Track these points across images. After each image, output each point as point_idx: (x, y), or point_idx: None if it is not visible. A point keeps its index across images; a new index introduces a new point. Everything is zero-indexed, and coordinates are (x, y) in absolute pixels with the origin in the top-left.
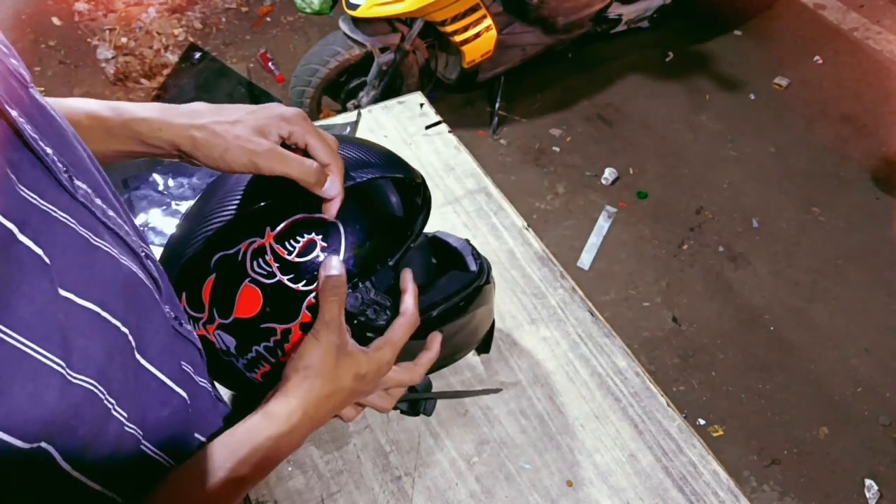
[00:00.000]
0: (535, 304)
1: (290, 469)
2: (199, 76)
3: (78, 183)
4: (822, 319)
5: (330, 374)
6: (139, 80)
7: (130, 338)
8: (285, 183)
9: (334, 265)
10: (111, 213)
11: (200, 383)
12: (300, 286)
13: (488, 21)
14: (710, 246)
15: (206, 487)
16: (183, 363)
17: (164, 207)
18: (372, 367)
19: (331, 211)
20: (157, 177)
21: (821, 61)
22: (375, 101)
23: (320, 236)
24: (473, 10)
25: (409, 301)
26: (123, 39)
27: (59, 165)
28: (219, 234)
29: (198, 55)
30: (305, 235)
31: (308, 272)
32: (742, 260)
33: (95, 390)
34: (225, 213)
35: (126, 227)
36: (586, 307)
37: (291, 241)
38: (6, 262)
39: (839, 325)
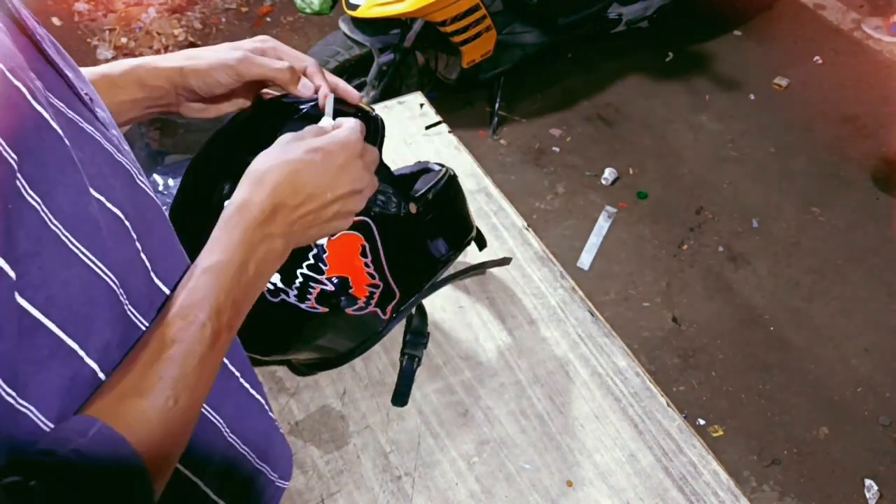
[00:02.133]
0: (535, 304)
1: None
2: None
3: (97, 109)
4: (822, 319)
5: (267, 159)
6: None
7: (144, 258)
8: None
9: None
10: (125, 146)
11: None
12: None
13: (488, 21)
14: (710, 246)
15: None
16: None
17: (165, 207)
18: (323, 142)
19: (321, 105)
20: (157, 177)
21: (821, 61)
22: (375, 101)
23: None
24: (473, 10)
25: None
26: (123, 40)
27: (79, 88)
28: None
29: None
30: None
31: None
32: (742, 260)
33: (117, 290)
34: (237, 153)
35: (137, 165)
36: (586, 307)
37: None
38: (42, 149)
39: (839, 326)
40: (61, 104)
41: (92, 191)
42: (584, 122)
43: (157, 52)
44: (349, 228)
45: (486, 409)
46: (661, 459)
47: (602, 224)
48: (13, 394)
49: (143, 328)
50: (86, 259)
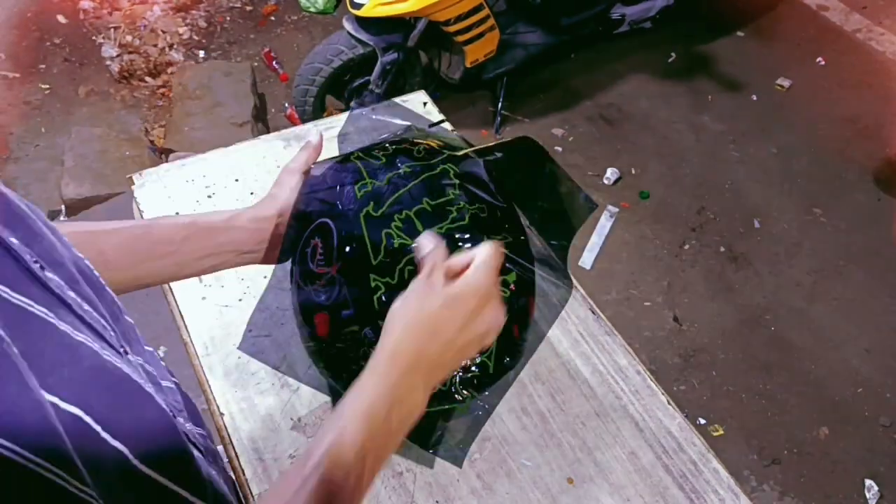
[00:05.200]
0: (537, 303)
1: (290, 465)
2: (204, 75)
3: (49, 274)
4: (823, 320)
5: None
6: (144, 77)
7: (123, 447)
8: None
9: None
10: (87, 306)
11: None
12: None
13: (491, 21)
14: (712, 246)
15: None
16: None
17: None
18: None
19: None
20: None
21: (823, 62)
22: (379, 99)
23: None
24: (477, 10)
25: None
26: (128, 37)
27: (28, 256)
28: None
29: (202, 54)
30: None
31: None
32: (743, 260)
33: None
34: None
35: (103, 322)
36: (588, 306)
37: None
38: None
39: (840, 326)
40: (5, 288)
41: (46, 395)
42: (586, 122)
43: (162, 50)
44: None
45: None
46: (661, 457)
47: (604, 224)
48: None
49: None
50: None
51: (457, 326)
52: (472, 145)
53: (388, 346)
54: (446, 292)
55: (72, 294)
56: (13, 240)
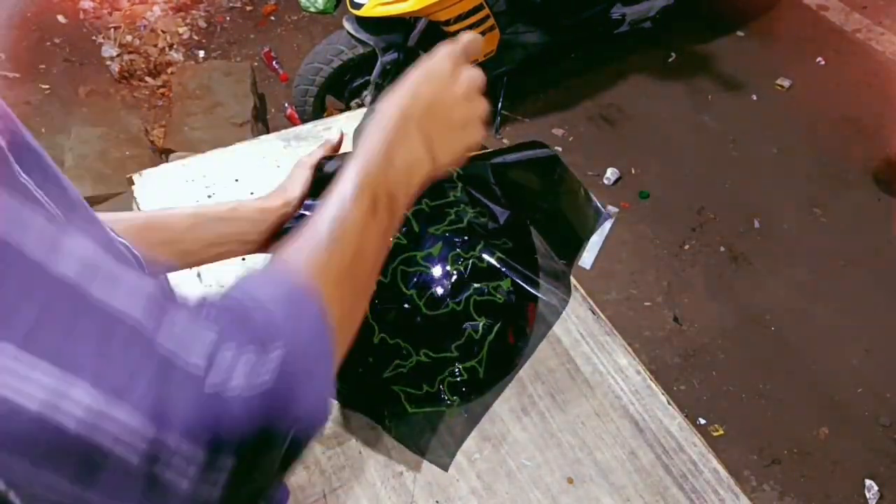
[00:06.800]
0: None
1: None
2: (204, 75)
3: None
4: (823, 320)
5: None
6: (144, 77)
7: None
8: None
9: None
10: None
11: None
12: None
13: (491, 21)
14: (712, 246)
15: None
16: None
17: None
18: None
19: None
20: None
21: (823, 62)
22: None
23: None
24: (477, 9)
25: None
26: (128, 37)
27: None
28: None
29: (202, 54)
30: None
31: None
32: (743, 260)
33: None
34: None
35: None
36: (588, 306)
37: None
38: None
39: (840, 326)
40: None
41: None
42: (586, 122)
43: (162, 50)
44: None
45: (487, 406)
46: (661, 457)
47: (604, 223)
48: None
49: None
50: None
51: (433, 87)
52: (485, 147)
53: (374, 114)
54: (416, 72)
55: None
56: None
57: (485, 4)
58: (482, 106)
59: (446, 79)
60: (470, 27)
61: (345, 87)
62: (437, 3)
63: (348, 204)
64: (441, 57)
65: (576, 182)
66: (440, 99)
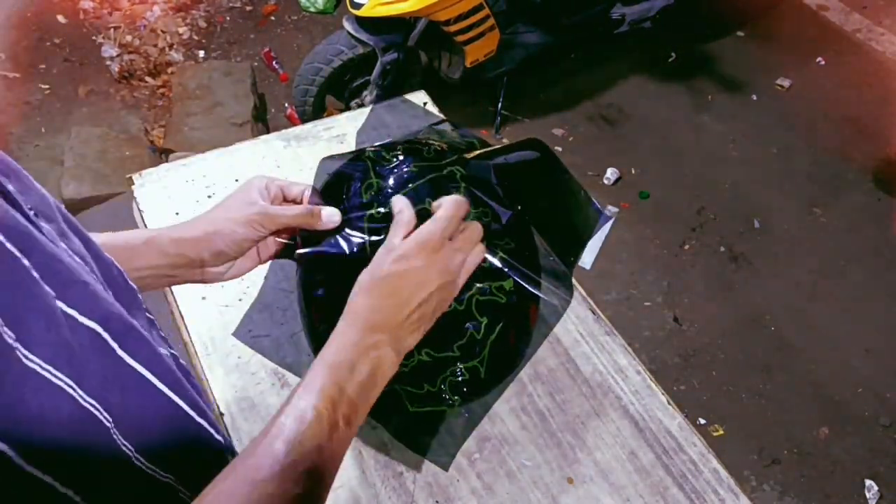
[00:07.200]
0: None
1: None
2: (204, 75)
3: (42, 223)
4: (823, 320)
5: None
6: (143, 77)
7: (144, 370)
8: None
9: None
10: (78, 259)
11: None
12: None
13: (491, 21)
14: (712, 246)
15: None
16: (173, 368)
17: None
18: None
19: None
20: None
21: (823, 62)
22: (379, 99)
23: None
24: (477, 9)
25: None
26: (128, 37)
27: (22, 202)
28: None
29: (202, 54)
30: None
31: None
32: (743, 260)
33: (99, 414)
34: None
35: (88, 268)
36: (588, 306)
37: None
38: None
39: (840, 326)
40: (9, 223)
41: (63, 306)
42: (586, 122)
43: (162, 50)
44: None
45: (486, 406)
46: (661, 457)
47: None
48: None
49: (126, 448)
50: (68, 389)
51: (411, 283)
52: (489, 146)
53: (347, 310)
54: (397, 252)
55: (63, 245)
56: (10, 186)
57: (485, 4)
58: (452, 292)
59: (419, 273)
60: (470, 27)
61: (345, 87)
62: (437, 3)
63: (305, 427)
64: (421, 240)
65: (575, 183)
66: (414, 298)
